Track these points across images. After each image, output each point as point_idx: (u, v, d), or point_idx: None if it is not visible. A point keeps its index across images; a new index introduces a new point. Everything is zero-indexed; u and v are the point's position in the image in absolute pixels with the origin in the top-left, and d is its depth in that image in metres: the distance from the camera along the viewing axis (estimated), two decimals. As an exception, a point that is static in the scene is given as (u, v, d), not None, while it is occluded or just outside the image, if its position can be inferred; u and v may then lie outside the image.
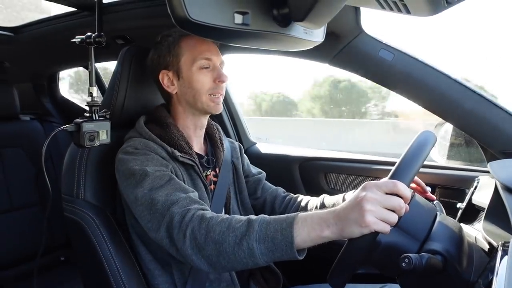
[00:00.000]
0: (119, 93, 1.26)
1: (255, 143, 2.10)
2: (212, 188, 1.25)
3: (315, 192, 1.41)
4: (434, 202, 1.13)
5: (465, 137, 1.47)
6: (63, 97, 2.70)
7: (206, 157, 1.29)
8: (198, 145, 1.28)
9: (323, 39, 1.05)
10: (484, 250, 1.00)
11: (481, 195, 1.18)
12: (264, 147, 2.04)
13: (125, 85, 1.27)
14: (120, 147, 1.17)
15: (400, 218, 0.80)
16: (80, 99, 2.84)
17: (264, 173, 1.47)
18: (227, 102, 2.03)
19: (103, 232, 1.17)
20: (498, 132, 1.24)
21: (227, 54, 1.76)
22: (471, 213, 1.22)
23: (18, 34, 2.09)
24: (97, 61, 1.42)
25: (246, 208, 1.37)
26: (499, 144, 1.25)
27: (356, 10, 1.28)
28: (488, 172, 1.25)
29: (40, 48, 2.16)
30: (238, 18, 0.76)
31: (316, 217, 0.83)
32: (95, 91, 1.14)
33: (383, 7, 0.87)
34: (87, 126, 1.10)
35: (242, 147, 1.48)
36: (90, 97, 1.14)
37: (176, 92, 1.22)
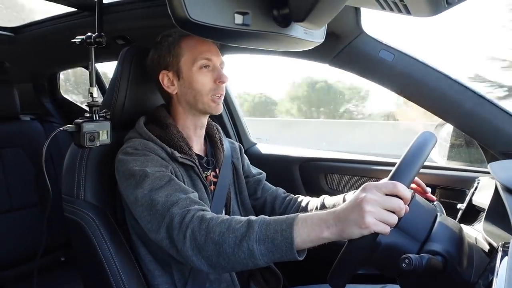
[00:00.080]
0: (119, 94, 1.26)
1: (255, 144, 2.10)
2: (212, 189, 1.25)
3: (315, 193, 1.41)
4: (434, 203, 1.13)
5: (465, 138, 1.47)
6: (63, 97, 2.70)
7: (206, 158, 1.29)
8: (198, 146, 1.28)
9: (323, 40, 1.05)
10: (484, 251, 1.00)
11: (482, 196, 1.18)
12: (264, 148, 2.04)
13: (125, 85, 1.27)
14: (120, 147, 1.17)
15: (400, 219, 0.80)
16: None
17: (264, 174, 1.47)
18: (227, 102, 2.03)
19: (103, 233, 1.17)
20: (498, 132, 1.24)
21: (227, 55, 1.76)
22: (471, 214, 1.22)
23: (18, 34, 2.09)
24: (97, 61, 1.42)
25: (247, 209, 1.37)
26: (499, 144, 1.25)
27: (357, 11, 1.28)
28: (488, 173, 1.25)
29: (40, 48, 2.16)
30: (239, 19, 0.76)
31: (316, 218, 0.83)
32: (95, 91, 1.15)
33: (383, 8, 0.87)
34: (88, 127, 1.11)
35: (242, 147, 1.48)
36: (91, 98, 1.14)
37: (176, 93, 1.22)
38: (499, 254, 0.78)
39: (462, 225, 1.07)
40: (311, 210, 1.31)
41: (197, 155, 1.23)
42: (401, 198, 0.79)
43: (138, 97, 1.32)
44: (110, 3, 1.60)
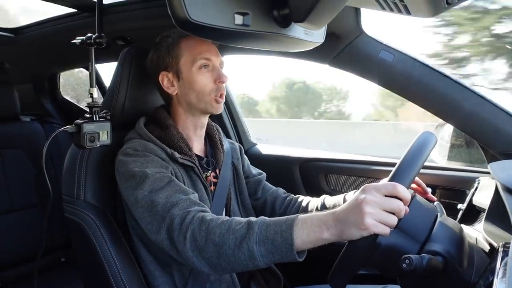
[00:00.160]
0: (119, 94, 1.26)
1: (256, 144, 2.10)
2: (212, 189, 1.25)
3: (316, 193, 1.41)
4: (435, 203, 1.13)
5: (465, 138, 1.47)
6: (63, 98, 2.70)
7: (206, 158, 1.29)
8: (198, 146, 1.28)
9: (323, 40, 1.05)
10: (484, 251, 1.00)
11: (482, 196, 1.18)
12: (265, 148, 2.04)
13: (126, 86, 1.27)
14: (120, 148, 1.17)
15: (399, 220, 0.80)
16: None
17: (264, 174, 1.47)
18: (228, 102, 2.03)
19: (104, 233, 1.17)
20: (498, 133, 1.24)
21: (227, 55, 1.76)
22: (471, 214, 1.22)
23: (18, 35, 2.09)
24: (97, 62, 1.43)
25: (247, 209, 1.37)
26: (500, 145, 1.25)
27: (357, 11, 1.28)
28: (488, 173, 1.24)
29: (40, 49, 2.16)
30: (239, 19, 0.76)
31: (316, 219, 0.83)
32: (96, 92, 1.15)
33: (383, 8, 0.87)
34: (88, 127, 1.11)
35: (242, 148, 1.48)
36: (91, 98, 1.14)
37: (176, 93, 1.22)
38: (500, 255, 0.78)
39: (462, 225, 1.07)
40: (311, 211, 1.31)
41: (197, 155, 1.23)
42: (400, 199, 0.79)
43: (138, 98, 1.32)
44: (110, 3, 1.60)
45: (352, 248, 0.80)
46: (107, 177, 1.22)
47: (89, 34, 1.12)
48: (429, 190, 1.20)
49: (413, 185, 1.19)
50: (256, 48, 0.98)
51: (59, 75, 2.67)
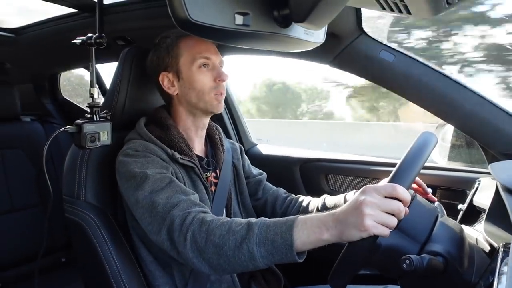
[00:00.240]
0: (120, 94, 1.26)
1: (256, 144, 2.10)
2: (213, 190, 1.25)
3: (316, 194, 1.41)
4: (435, 204, 1.13)
5: (465, 138, 1.47)
6: (64, 98, 2.70)
7: (206, 159, 1.29)
8: (199, 147, 1.28)
9: (323, 40, 1.05)
10: (485, 252, 1.00)
11: (482, 197, 1.18)
12: (265, 148, 2.04)
13: (126, 86, 1.27)
14: (120, 148, 1.17)
15: (399, 221, 0.80)
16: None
17: (265, 174, 1.47)
18: (228, 103, 2.03)
19: (104, 233, 1.17)
20: (499, 133, 1.24)
21: (227, 55, 1.76)
22: (472, 215, 1.22)
23: (19, 35, 2.09)
24: (98, 62, 1.43)
25: (247, 209, 1.37)
26: (500, 145, 1.25)
27: (357, 11, 1.28)
28: (489, 173, 1.24)
29: (41, 49, 2.16)
30: (239, 19, 0.76)
31: (315, 219, 0.83)
32: (96, 92, 1.15)
33: (383, 8, 0.86)
34: (88, 127, 1.11)
35: (242, 148, 1.48)
36: (91, 98, 1.14)
37: (177, 94, 1.22)
38: (500, 255, 0.78)
39: (463, 225, 1.07)
40: (312, 211, 1.31)
41: (197, 156, 1.23)
42: (400, 201, 0.79)
43: (138, 98, 1.32)
44: (111, 4, 1.60)
45: (352, 249, 0.80)
46: (107, 177, 1.22)
47: (90, 34, 1.12)
48: (429, 190, 1.20)
49: (414, 185, 1.19)
50: (256, 48, 0.98)
51: (60, 75, 2.67)
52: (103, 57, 2.01)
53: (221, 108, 1.22)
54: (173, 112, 1.25)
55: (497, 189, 1.06)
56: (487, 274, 0.80)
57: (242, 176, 1.38)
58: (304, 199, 1.37)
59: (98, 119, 1.14)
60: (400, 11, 0.85)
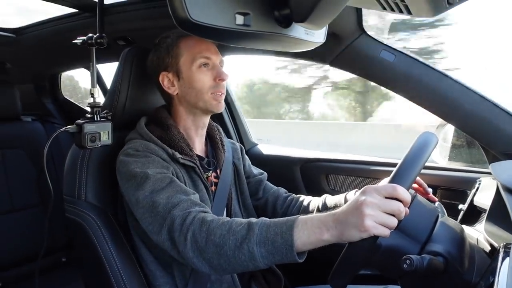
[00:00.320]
0: (120, 94, 1.26)
1: (257, 144, 2.10)
2: (213, 190, 1.25)
3: (316, 193, 1.41)
4: (436, 204, 1.13)
5: (466, 138, 1.47)
6: (64, 98, 2.71)
7: (206, 158, 1.29)
8: (199, 146, 1.28)
9: (324, 40, 1.05)
10: (485, 252, 1.00)
11: (483, 197, 1.18)
12: (265, 148, 2.04)
13: (127, 86, 1.27)
14: (121, 148, 1.17)
15: (400, 221, 0.80)
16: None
17: (265, 174, 1.47)
18: (228, 102, 2.03)
19: (105, 233, 1.17)
20: (499, 133, 1.24)
21: (227, 55, 1.76)
22: (472, 215, 1.22)
23: (19, 35, 2.09)
24: (98, 62, 1.42)
25: (248, 209, 1.37)
26: (501, 145, 1.25)
27: (358, 11, 1.28)
28: (489, 173, 1.24)
29: (41, 49, 2.16)
30: (239, 19, 0.76)
31: (316, 220, 0.83)
32: (97, 92, 1.15)
33: (384, 8, 0.86)
34: (89, 127, 1.11)
35: (243, 148, 1.48)
36: (92, 98, 1.14)
37: (177, 93, 1.22)
38: (501, 255, 0.78)
39: (463, 225, 1.07)
40: (312, 210, 1.31)
41: (198, 156, 1.23)
42: (401, 201, 0.79)
43: (139, 98, 1.32)
44: (111, 4, 1.60)
45: (352, 249, 0.80)
46: (108, 177, 1.22)
47: (90, 34, 1.12)
48: (430, 190, 1.20)
49: (414, 185, 1.19)
50: (257, 48, 0.98)
51: (60, 75, 2.67)
52: (104, 57, 2.01)
53: (221, 108, 1.22)
54: (174, 112, 1.25)
55: (497, 189, 1.06)
56: (488, 274, 0.80)
57: (242, 176, 1.38)
58: (305, 199, 1.37)
59: (98, 119, 1.14)
60: (400, 11, 0.85)
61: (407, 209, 0.80)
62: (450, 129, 1.49)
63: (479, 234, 1.10)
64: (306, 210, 1.32)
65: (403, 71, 1.31)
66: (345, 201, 1.25)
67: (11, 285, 2.09)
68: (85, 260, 1.26)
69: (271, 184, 1.45)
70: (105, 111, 1.19)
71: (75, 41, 1.14)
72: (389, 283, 1.30)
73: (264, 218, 0.91)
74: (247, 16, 0.77)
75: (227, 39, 0.86)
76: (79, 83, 2.61)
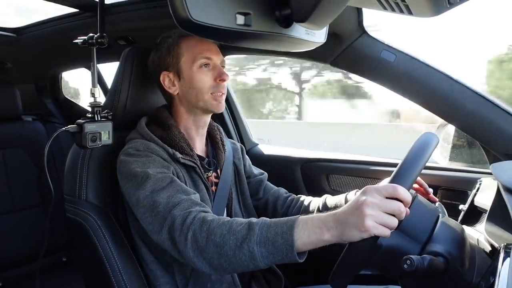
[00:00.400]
0: (121, 94, 1.26)
1: (257, 144, 2.10)
2: (214, 190, 1.25)
3: (317, 194, 1.41)
4: (436, 204, 1.13)
5: (467, 139, 1.46)
6: (65, 98, 2.71)
7: (207, 158, 1.29)
8: (200, 146, 1.28)
9: (325, 40, 1.05)
10: (486, 252, 1.00)
11: (483, 197, 1.18)
12: (266, 148, 2.04)
13: (127, 86, 1.27)
14: (122, 148, 1.17)
15: (400, 221, 0.80)
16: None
17: (266, 174, 1.47)
18: (229, 102, 2.03)
19: (105, 233, 1.17)
20: (500, 133, 1.23)
21: (228, 55, 1.76)
22: (473, 215, 1.22)
23: (20, 35, 2.09)
24: (99, 62, 1.43)
25: (248, 209, 1.37)
26: (502, 145, 1.25)
27: (358, 11, 1.28)
28: (490, 173, 1.24)
29: (42, 49, 2.16)
30: (240, 19, 0.76)
31: (316, 220, 0.83)
32: (97, 91, 1.15)
33: (385, 8, 0.86)
34: (89, 127, 1.11)
35: (243, 148, 1.48)
36: (93, 98, 1.14)
37: (177, 93, 1.22)
38: (501, 255, 0.78)
39: (464, 226, 1.07)
40: (313, 210, 1.31)
41: (198, 156, 1.23)
42: (401, 201, 0.79)
43: (139, 98, 1.32)
44: (112, 3, 1.60)
45: (352, 249, 0.80)
46: (108, 177, 1.22)
47: (91, 34, 1.12)
48: (430, 190, 1.20)
49: (415, 185, 1.19)
50: (257, 48, 0.98)
51: (61, 75, 2.67)
52: (105, 57, 2.01)
53: (221, 108, 1.22)
54: (174, 111, 1.25)
55: (498, 189, 1.06)
56: (488, 275, 0.80)
57: (243, 176, 1.38)
58: (305, 199, 1.37)
59: (99, 118, 1.14)
60: (401, 11, 0.85)
61: (408, 209, 0.80)
62: (450, 129, 1.49)
63: (479, 234, 1.10)
64: (306, 210, 1.32)
65: (404, 71, 1.31)
66: (346, 201, 1.25)
67: (12, 285, 2.09)
68: (85, 260, 1.26)
69: (271, 184, 1.45)
70: (106, 110, 1.19)
71: (76, 41, 1.14)
72: (390, 283, 1.30)
73: (264, 218, 0.91)
74: (248, 16, 0.77)
75: (227, 39, 0.86)
76: (69, 83, 2.61)
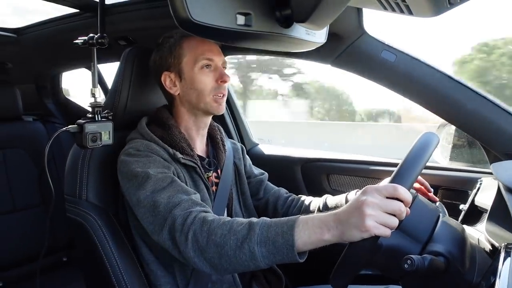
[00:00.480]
0: (121, 94, 1.26)
1: (257, 144, 2.10)
2: (214, 190, 1.25)
3: (317, 193, 1.41)
4: (437, 204, 1.13)
5: (467, 139, 1.46)
6: (66, 98, 2.71)
7: (207, 159, 1.29)
8: (200, 147, 1.28)
9: (325, 40, 1.05)
10: (486, 252, 1.00)
11: (484, 197, 1.18)
12: (266, 148, 2.04)
13: (128, 86, 1.27)
14: (122, 148, 1.17)
15: (400, 221, 0.80)
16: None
17: (266, 174, 1.47)
18: (229, 103, 2.03)
19: (106, 233, 1.17)
20: (500, 133, 1.23)
21: (229, 55, 1.76)
22: (473, 215, 1.22)
23: (20, 35, 2.09)
24: (99, 62, 1.43)
25: (249, 209, 1.37)
26: (502, 145, 1.24)
27: (359, 11, 1.28)
28: (490, 173, 1.24)
29: (42, 49, 2.16)
30: (241, 19, 0.76)
31: (317, 220, 0.83)
32: (98, 92, 1.15)
33: (385, 8, 0.86)
34: (90, 127, 1.11)
35: (244, 148, 1.48)
36: (93, 98, 1.14)
37: (178, 94, 1.22)
38: (502, 255, 0.78)
39: (464, 226, 1.07)
40: (313, 210, 1.31)
41: (199, 156, 1.23)
42: (402, 201, 0.79)
43: (140, 98, 1.32)
44: (112, 4, 1.60)
45: (353, 249, 0.80)
46: (109, 177, 1.22)
47: (91, 34, 1.12)
48: (431, 190, 1.20)
49: (416, 184, 1.19)
50: (257, 48, 0.98)
51: (61, 75, 2.68)
52: (105, 57, 2.01)
53: (222, 110, 1.22)
54: (175, 112, 1.25)
55: (498, 189, 1.06)
56: (489, 275, 0.80)
57: (243, 176, 1.38)
58: (306, 199, 1.37)
59: (99, 119, 1.14)
60: (401, 11, 0.85)
61: (408, 209, 0.80)
62: (451, 129, 1.49)
63: (480, 234, 1.10)
64: (307, 210, 1.32)
65: (404, 71, 1.31)
66: (346, 201, 1.25)
67: (13, 284, 2.09)
68: (86, 260, 1.26)
69: (272, 184, 1.45)
70: (106, 111, 1.19)
71: (76, 41, 1.14)
72: (390, 283, 1.30)
73: (265, 218, 0.91)
74: (248, 16, 0.77)
75: (228, 39, 0.86)
76: (61, 84, 2.63)
